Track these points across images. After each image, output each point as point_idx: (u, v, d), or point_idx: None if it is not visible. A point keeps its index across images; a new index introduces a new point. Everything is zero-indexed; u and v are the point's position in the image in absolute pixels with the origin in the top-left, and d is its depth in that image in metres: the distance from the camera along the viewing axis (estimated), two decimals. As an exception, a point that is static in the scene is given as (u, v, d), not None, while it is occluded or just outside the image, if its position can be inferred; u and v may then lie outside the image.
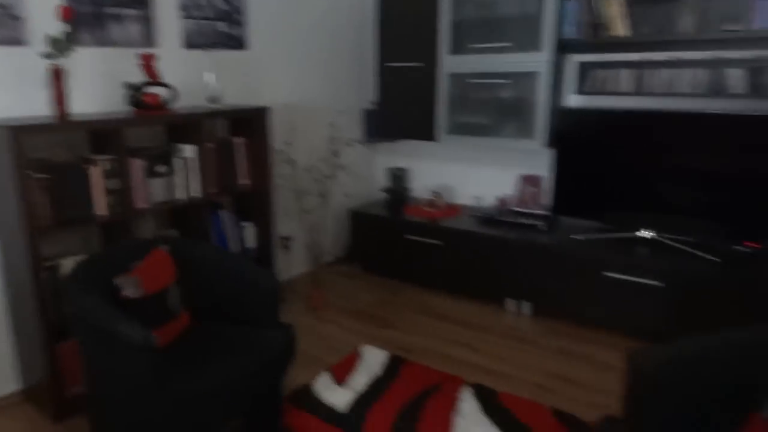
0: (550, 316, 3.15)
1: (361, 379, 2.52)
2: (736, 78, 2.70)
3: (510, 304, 3.26)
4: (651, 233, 2.94)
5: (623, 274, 2.77)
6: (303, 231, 3.57)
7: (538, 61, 3.07)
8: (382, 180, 4.16)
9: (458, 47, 3.35)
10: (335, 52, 3.71)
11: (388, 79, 3.68)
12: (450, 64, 3.38)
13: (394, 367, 2.61)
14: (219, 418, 1.80)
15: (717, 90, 2.74)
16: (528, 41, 3.10)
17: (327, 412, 2.27)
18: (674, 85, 2.86)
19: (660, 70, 2.89)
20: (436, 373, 2.56)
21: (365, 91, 4.01)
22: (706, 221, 2.77)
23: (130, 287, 1.82)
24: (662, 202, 2.88)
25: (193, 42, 2.85)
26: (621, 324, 2.87)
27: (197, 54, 2.87)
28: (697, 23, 2.73)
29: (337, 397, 2.37)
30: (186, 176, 2.63)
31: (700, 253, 2.75)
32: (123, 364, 1.68)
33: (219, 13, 2.95)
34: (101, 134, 2.35)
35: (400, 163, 4.08)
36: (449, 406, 2.31)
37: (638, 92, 2.97)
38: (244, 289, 2.15)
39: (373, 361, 2.67)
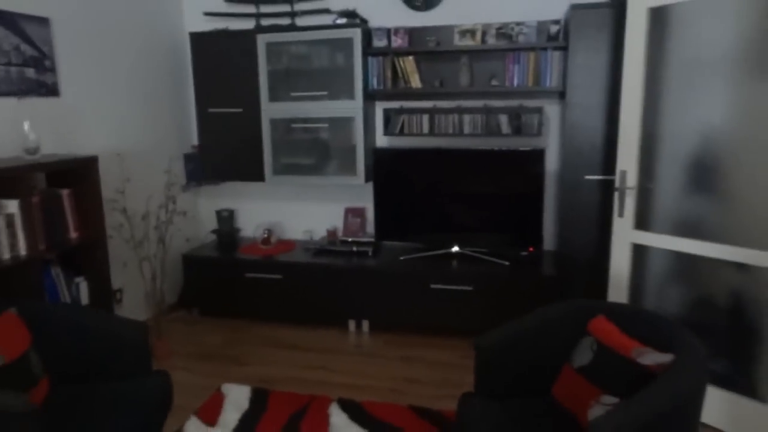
0: (386, 330, 3.56)
1: (231, 416, 2.57)
2: (503, 121, 3.48)
3: (351, 324, 3.59)
4: (457, 248, 3.57)
5: (445, 284, 3.32)
6: (138, 281, 3.41)
7: (353, 108, 3.52)
8: (207, 222, 4.17)
9: (277, 95, 3.63)
10: (154, 97, 3.67)
11: (209, 124, 3.78)
12: (270, 109, 3.64)
13: (260, 400, 2.72)
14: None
15: (491, 131, 3.50)
16: (342, 90, 3.53)
17: (206, 455, 2.29)
18: (459, 126, 3.55)
19: (447, 116, 3.57)
20: (302, 397, 2.74)
21: (186, 136, 4.02)
22: (495, 234, 3.48)
23: (-10, 358, 1.67)
24: (461, 222, 3.53)
25: (0, 90, 2.62)
26: (445, 326, 3.41)
27: (6, 102, 2.64)
28: (471, 79, 3.47)
29: (212, 438, 2.40)
30: (10, 234, 2.40)
31: (495, 260, 3.44)
32: (0, 441, 1.54)
33: (27, 60, 2.76)
34: None
35: (227, 204, 4.16)
36: (322, 422, 2.52)
37: (432, 133, 3.60)
38: (110, 343, 2.08)
39: (237, 397, 2.73)
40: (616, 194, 2.68)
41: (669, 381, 1.49)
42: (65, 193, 2.74)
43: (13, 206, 2.41)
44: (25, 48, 2.74)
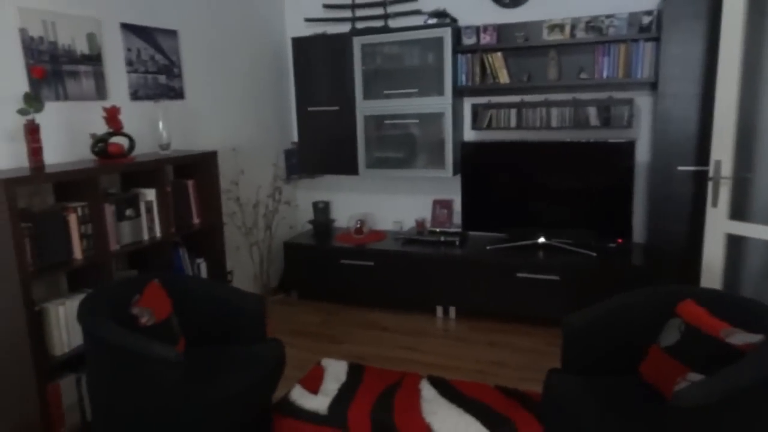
0: (472, 317, 3.70)
1: (331, 386, 2.83)
2: (591, 114, 3.51)
3: (438, 310, 3.77)
4: (544, 239, 3.64)
5: (531, 273, 3.41)
6: (248, 263, 3.79)
7: (443, 104, 3.69)
8: (305, 213, 4.51)
9: (371, 93, 3.87)
10: (259, 99, 4.05)
11: (307, 121, 4.09)
12: (365, 107, 3.89)
13: (356, 373, 2.96)
14: (237, 425, 2.04)
15: (579, 123, 3.53)
16: (432, 87, 3.71)
17: (311, 416, 2.56)
18: (547, 120, 3.61)
19: (535, 109, 3.64)
20: (394, 373, 2.96)
21: (286, 133, 4.37)
22: (583, 226, 3.51)
23: (146, 316, 2.01)
24: (548, 214, 3.60)
25: (138, 94, 3.04)
26: (531, 314, 3.50)
27: (145, 105, 3.06)
28: (559, 73, 3.53)
29: (316, 403, 2.67)
30: (149, 218, 2.80)
31: (582, 251, 3.48)
32: (153, 381, 1.87)
33: (160, 68, 3.17)
34: (70, 182, 2.47)
35: (322, 196, 4.47)
36: (414, 395, 2.72)
37: (519, 127, 3.69)
38: (233, 313, 2.40)
39: (336, 370, 3.00)
40: (710, 184, 2.66)
41: (756, 358, 1.54)
42: (190, 183, 3.12)
43: (151, 194, 2.81)
44: (159, 57, 3.15)
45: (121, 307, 2.10)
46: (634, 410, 1.79)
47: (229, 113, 3.73)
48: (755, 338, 1.65)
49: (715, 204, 2.67)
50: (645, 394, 1.88)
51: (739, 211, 2.64)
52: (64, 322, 2.35)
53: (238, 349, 2.33)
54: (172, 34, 3.24)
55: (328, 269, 3.96)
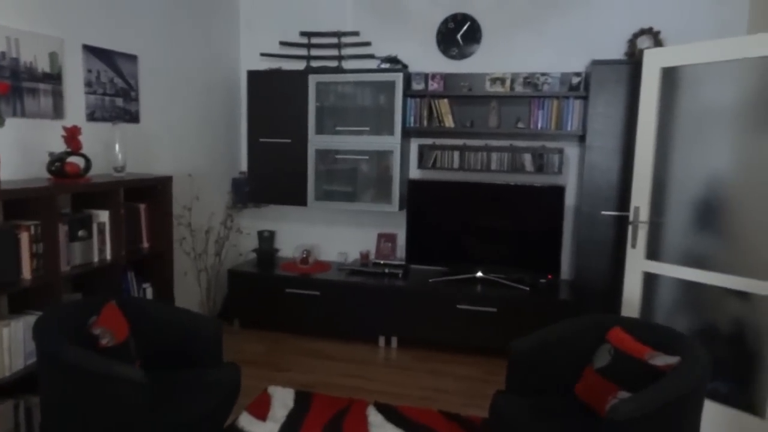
0: (414, 346, 3.85)
1: (279, 412, 2.86)
2: (527, 160, 3.85)
3: (381, 340, 3.89)
4: (481, 273, 3.89)
5: (470, 305, 3.63)
6: (194, 290, 3.75)
7: (392, 143, 3.91)
8: (249, 242, 4.52)
9: (323, 128, 4.04)
10: (213, 126, 4.10)
11: (258, 152, 4.18)
12: (317, 141, 4.04)
13: (304, 400, 3.01)
14: (195, 447, 2.05)
15: (515, 168, 3.86)
16: (383, 127, 3.93)
17: (262, 442, 2.58)
18: (487, 163, 3.91)
19: (476, 153, 3.94)
20: (342, 399, 3.03)
21: (235, 162, 4.42)
22: (517, 262, 3.80)
23: (107, 337, 2.00)
24: (486, 250, 3.86)
25: (95, 115, 3.03)
26: (470, 344, 3.71)
27: (100, 126, 3.04)
28: (499, 121, 3.87)
29: (265, 429, 2.69)
30: (101, 240, 2.76)
31: (516, 285, 3.75)
32: (118, 404, 1.86)
33: (118, 90, 3.18)
34: (22, 200, 2.42)
35: (268, 226, 4.52)
36: (362, 421, 2.81)
37: (462, 168, 3.96)
38: (189, 336, 2.41)
39: (283, 397, 3.03)
40: (630, 227, 3.01)
41: (675, 376, 1.79)
42: (142, 207, 3.11)
43: (104, 216, 2.78)
44: (118, 80, 3.17)
45: (77, 328, 2.08)
46: (573, 427, 1.99)
47: (183, 139, 3.76)
48: (673, 359, 1.91)
49: (634, 245, 3.02)
50: (581, 411, 2.10)
51: (653, 252, 2.99)
52: (8, 345, 2.27)
53: (194, 373, 2.34)
54: (132, 58, 3.26)
55: (273, 298, 3.99)
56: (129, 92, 3.26)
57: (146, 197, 3.15)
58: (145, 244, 3.15)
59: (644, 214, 2.97)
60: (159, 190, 3.15)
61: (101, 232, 2.77)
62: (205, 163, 4.01)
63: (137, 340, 2.34)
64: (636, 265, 3.02)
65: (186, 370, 2.37)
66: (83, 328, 2.07)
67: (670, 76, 2.88)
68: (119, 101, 3.19)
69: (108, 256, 2.81)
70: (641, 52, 3.41)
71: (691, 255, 2.87)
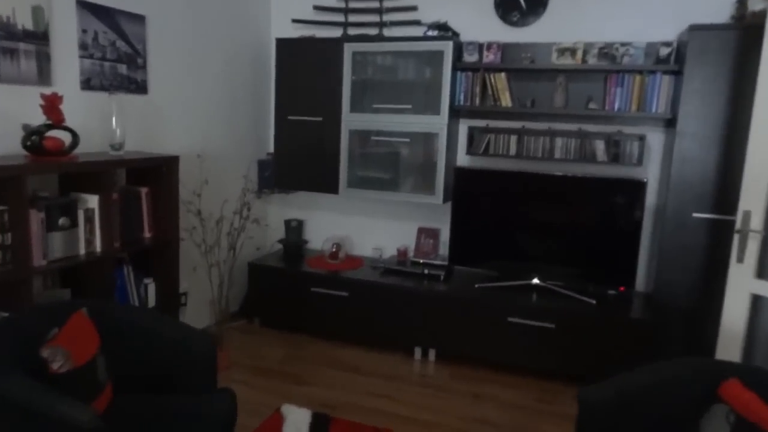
0: (454, 361, 3.32)
1: (290, 441, 2.41)
2: (599, 148, 3.21)
3: (417, 352, 3.38)
4: (538, 281, 3.30)
5: (524, 318, 3.06)
6: (205, 286, 3.35)
7: (438, 124, 3.35)
8: (275, 231, 4.09)
9: (359, 105, 3.51)
10: (234, 102, 3.65)
11: (286, 131, 3.70)
12: (351, 120, 3.52)
13: (320, 426, 2.54)
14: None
15: (585, 157, 3.24)
16: (427, 105, 3.37)
17: (264, 482, 2.13)
18: (550, 150, 3.31)
19: (537, 138, 3.33)
20: (365, 428, 2.55)
21: (261, 143, 3.97)
22: (581, 269, 3.19)
23: (59, 360, 1.58)
24: (544, 252, 3.27)
25: (91, 83, 2.62)
26: (517, 363, 3.15)
27: (98, 96, 2.63)
28: (566, 101, 3.24)
29: (270, 463, 2.24)
30: (89, 229, 2.36)
31: (580, 296, 3.15)
32: (60, 452, 1.44)
33: (121, 56, 2.76)
34: (-9, 181, 2.03)
35: (296, 214, 4.07)
36: (386, 459, 2.32)
37: (519, 155, 3.37)
38: (177, 354, 1.97)
39: (297, 420, 2.57)
40: (736, 237, 2.37)
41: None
42: (144, 191, 2.69)
43: (93, 201, 2.38)
44: (121, 44, 2.74)
45: (33, 345, 1.66)
46: None
47: (197, 115, 3.32)
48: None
49: (740, 259, 2.37)
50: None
51: (766, 270, 2.34)
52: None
53: (180, 400, 1.90)
54: (139, 19, 2.83)
55: (297, 296, 3.54)
56: (135, 58, 2.83)
57: (149, 180, 2.73)
58: (147, 234, 2.74)
59: (757, 222, 2.31)
60: (163, 172, 2.72)
61: (89, 220, 2.36)
62: (223, 142, 3.56)
63: (113, 358, 1.92)
64: (742, 284, 2.37)
65: (172, 396, 1.94)
66: (38, 346, 1.66)
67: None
68: (122, 68, 2.77)
69: (98, 248, 2.41)
70: (754, 14, 2.72)
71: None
